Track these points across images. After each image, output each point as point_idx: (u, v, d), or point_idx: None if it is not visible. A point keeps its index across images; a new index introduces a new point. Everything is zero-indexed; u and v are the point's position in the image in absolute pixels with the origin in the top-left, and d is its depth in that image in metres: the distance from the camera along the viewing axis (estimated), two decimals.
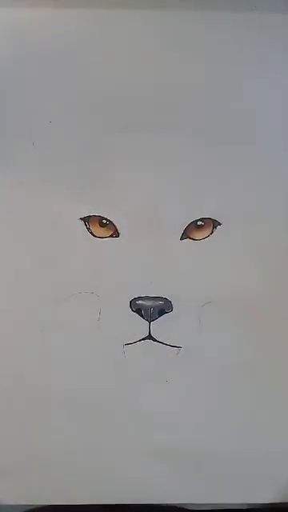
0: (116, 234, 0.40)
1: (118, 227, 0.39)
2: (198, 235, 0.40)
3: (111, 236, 0.40)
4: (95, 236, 0.40)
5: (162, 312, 0.39)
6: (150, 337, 0.39)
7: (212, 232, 0.40)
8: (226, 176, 0.40)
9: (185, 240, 0.39)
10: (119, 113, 0.39)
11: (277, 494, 0.40)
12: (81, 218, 0.40)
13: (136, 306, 0.39)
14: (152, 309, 0.39)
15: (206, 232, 0.40)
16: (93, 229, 0.40)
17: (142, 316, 0.39)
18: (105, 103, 0.39)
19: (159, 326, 0.39)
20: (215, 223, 0.40)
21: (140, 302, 0.39)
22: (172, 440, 0.40)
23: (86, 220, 0.40)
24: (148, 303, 0.39)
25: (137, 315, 0.39)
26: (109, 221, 0.39)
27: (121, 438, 0.40)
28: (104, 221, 0.39)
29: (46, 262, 0.40)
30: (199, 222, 0.39)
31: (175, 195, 0.39)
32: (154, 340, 0.39)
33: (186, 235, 0.39)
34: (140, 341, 0.39)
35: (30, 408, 0.40)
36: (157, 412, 0.40)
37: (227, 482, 0.40)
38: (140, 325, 0.39)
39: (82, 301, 0.39)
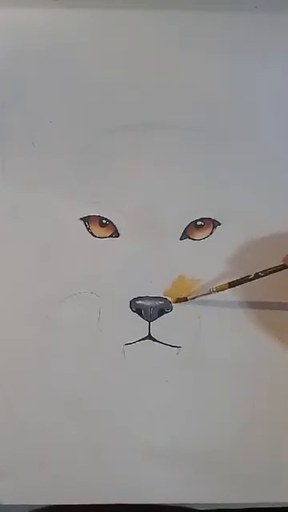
0: (116, 234, 0.40)
1: (117, 227, 0.39)
2: (197, 235, 0.40)
3: (111, 236, 0.40)
4: (95, 236, 0.40)
5: (161, 312, 0.39)
6: (149, 337, 0.39)
7: (212, 232, 0.40)
8: (226, 176, 0.40)
9: (185, 240, 0.39)
10: (119, 113, 0.39)
11: (277, 493, 0.40)
12: (81, 218, 0.40)
13: (136, 306, 0.39)
14: (152, 309, 0.39)
15: (206, 232, 0.40)
16: (93, 229, 0.40)
17: (141, 316, 0.39)
18: (105, 103, 0.39)
19: (159, 326, 0.39)
20: (215, 223, 0.40)
21: (140, 301, 0.39)
22: (172, 440, 0.40)
23: (86, 220, 0.40)
24: (148, 303, 0.39)
25: (137, 315, 0.39)
26: (109, 221, 0.39)
27: (121, 438, 0.40)
28: (104, 221, 0.39)
29: (45, 262, 0.40)
30: (199, 222, 0.40)
31: (175, 195, 0.39)
32: (154, 340, 0.39)
33: (185, 235, 0.39)
34: (140, 341, 0.39)
35: (30, 408, 0.40)
36: (157, 412, 0.40)
37: (227, 481, 0.40)
38: (140, 325, 0.39)
39: (81, 301, 0.39)
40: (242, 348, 0.40)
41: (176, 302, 0.39)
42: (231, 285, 0.37)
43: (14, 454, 0.40)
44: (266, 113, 0.40)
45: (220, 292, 0.38)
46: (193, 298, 0.39)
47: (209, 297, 0.39)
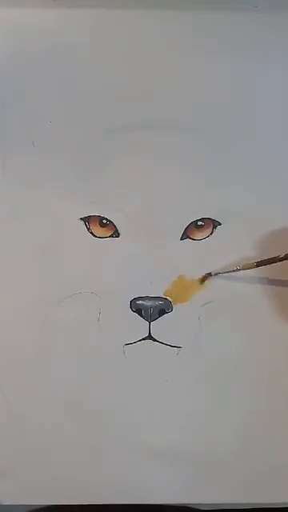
0: (116, 233, 0.40)
1: (118, 227, 0.39)
2: (198, 235, 0.40)
3: (111, 236, 0.40)
4: (95, 236, 0.40)
5: (162, 312, 0.39)
6: (150, 337, 0.39)
7: (212, 232, 0.40)
8: (226, 176, 0.40)
9: (185, 240, 0.39)
10: (119, 113, 0.39)
11: (277, 493, 0.40)
12: (81, 218, 0.40)
13: (136, 306, 0.39)
14: (152, 309, 0.39)
15: (206, 232, 0.40)
16: (93, 229, 0.40)
17: (142, 316, 0.39)
18: (105, 103, 0.39)
19: (159, 326, 0.39)
20: (215, 223, 0.40)
21: (140, 302, 0.39)
22: (172, 440, 0.40)
23: (86, 220, 0.40)
24: (148, 303, 0.39)
25: (137, 315, 0.39)
26: (109, 221, 0.39)
27: (121, 438, 0.40)
28: (104, 221, 0.39)
29: (46, 262, 0.40)
30: (199, 222, 0.40)
31: (175, 195, 0.39)
32: (154, 340, 0.39)
33: (186, 235, 0.39)
34: (140, 341, 0.39)
35: (30, 408, 0.40)
36: (157, 412, 0.40)
37: (227, 481, 0.40)
38: (140, 325, 0.39)
39: (81, 301, 0.39)
40: (242, 348, 0.40)
41: (202, 282, 0.39)
42: (259, 264, 0.37)
43: (14, 453, 0.40)
44: (266, 113, 0.40)
45: (246, 270, 0.38)
46: (216, 274, 0.39)
47: (209, 296, 0.39)
